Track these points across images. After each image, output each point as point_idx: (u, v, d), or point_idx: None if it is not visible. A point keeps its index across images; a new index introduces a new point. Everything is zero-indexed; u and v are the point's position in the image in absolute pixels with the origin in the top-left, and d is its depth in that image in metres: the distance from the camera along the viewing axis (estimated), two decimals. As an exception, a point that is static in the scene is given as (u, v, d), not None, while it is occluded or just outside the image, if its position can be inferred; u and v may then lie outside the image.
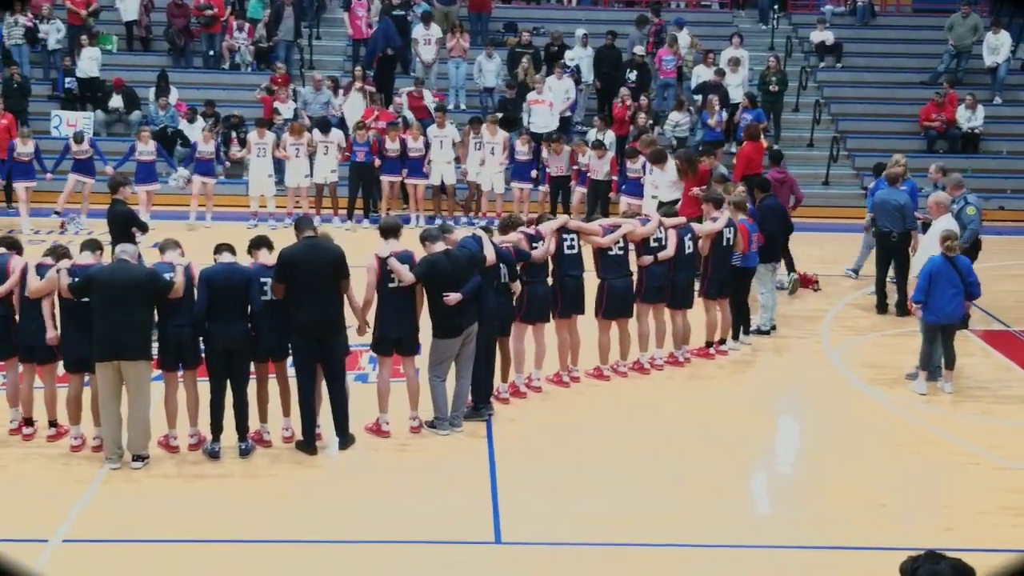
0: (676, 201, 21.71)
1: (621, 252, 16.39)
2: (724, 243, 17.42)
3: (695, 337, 17.70)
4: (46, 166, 25.68)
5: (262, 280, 13.65)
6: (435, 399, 14.60)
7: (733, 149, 27.67)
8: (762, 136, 25.12)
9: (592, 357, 16.70)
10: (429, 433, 14.60)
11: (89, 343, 13.20)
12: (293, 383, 14.07)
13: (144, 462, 13.43)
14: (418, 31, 31.58)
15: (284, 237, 14.11)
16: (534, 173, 26.69)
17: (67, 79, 30.91)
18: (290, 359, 14.07)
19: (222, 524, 12.31)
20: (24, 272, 13.67)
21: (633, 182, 24.34)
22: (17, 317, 13.85)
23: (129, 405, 13.31)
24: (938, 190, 19.59)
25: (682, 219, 17.85)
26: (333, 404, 14.00)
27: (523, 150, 26.63)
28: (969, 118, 30.74)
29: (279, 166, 26.77)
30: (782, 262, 19.84)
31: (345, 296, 13.94)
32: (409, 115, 28.41)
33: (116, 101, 30.65)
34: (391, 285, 14.07)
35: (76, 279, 13.29)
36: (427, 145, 26.66)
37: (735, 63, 30.44)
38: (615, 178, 25.35)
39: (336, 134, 26.81)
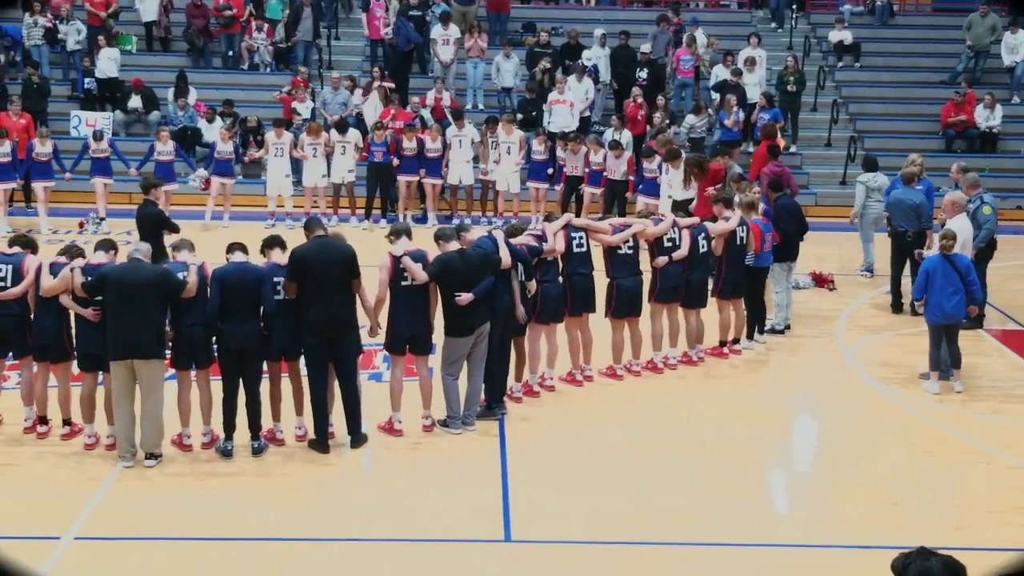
0: (690, 201, 21.74)
1: (631, 251, 16.38)
2: (738, 242, 17.41)
3: (709, 336, 17.67)
4: (65, 165, 25.78)
5: (275, 279, 13.68)
6: (448, 398, 14.60)
7: (751, 149, 27.60)
8: (779, 135, 25.08)
9: (605, 356, 16.69)
10: (442, 432, 14.62)
11: (103, 342, 13.26)
12: (306, 382, 14.09)
13: (157, 460, 13.47)
14: (436, 31, 31.57)
15: (300, 237, 14.09)
16: (550, 171, 26.72)
17: (86, 79, 30.97)
18: (303, 358, 14.09)
19: (234, 522, 12.33)
20: (38, 271, 13.72)
21: (650, 182, 24.36)
22: (32, 316, 13.91)
23: (142, 404, 13.34)
24: (958, 189, 19.54)
25: (695, 219, 17.85)
26: (345, 403, 14.02)
27: (539, 149, 26.70)
28: (988, 118, 30.65)
29: (297, 166, 26.85)
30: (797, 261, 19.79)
31: (357, 296, 13.97)
32: (427, 115, 28.46)
33: (135, 101, 30.73)
34: (404, 284, 14.08)
35: (89, 278, 13.33)
36: (445, 145, 26.71)
37: (752, 63, 30.38)
38: (632, 178, 25.35)
39: (353, 134, 26.87)
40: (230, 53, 33.02)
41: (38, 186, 25.69)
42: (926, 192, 20.48)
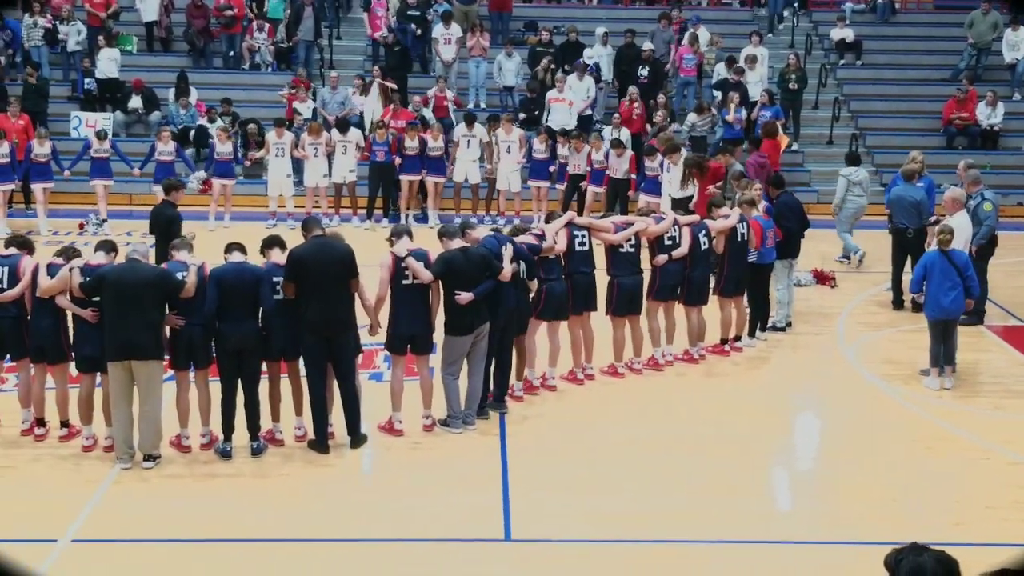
0: (688, 199, 21.75)
1: (632, 249, 16.36)
2: (739, 239, 17.39)
3: (710, 334, 17.65)
4: (63, 165, 25.71)
5: (274, 280, 13.65)
6: (448, 397, 14.58)
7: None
8: (781, 132, 25.07)
9: (606, 354, 16.66)
10: (442, 431, 14.59)
11: (100, 343, 13.23)
12: (305, 382, 14.06)
13: (156, 462, 13.44)
14: (438, 30, 31.62)
15: (301, 237, 14.08)
16: (552, 169, 26.72)
17: (86, 80, 30.93)
18: (302, 358, 14.07)
19: (233, 524, 12.30)
20: (35, 272, 13.67)
21: (651, 180, 24.36)
22: (29, 317, 13.87)
23: (140, 405, 13.30)
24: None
25: (696, 216, 17.84)
26: (345, 403, 13.99)
27: (541, 148, 26.69)
28: (989, 115, 30.64)
29: (298, 166, 26.81)
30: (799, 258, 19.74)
31: (357, 295, 13.94)
32: (428, 114, 28.45)
33: (136, 102, 30.70)
34: (405, 283, 14.05)
35: (88, 278, 13.30)
36: (447, 144, 26.71)
37: (753, 60, 30.34)
38: (634, 176, 25.33)
39: (355, 133, 26.84)
40: (231, 53, 33.02)
41: (37, 187, 25.62)
42: (927, 189, 20.48)
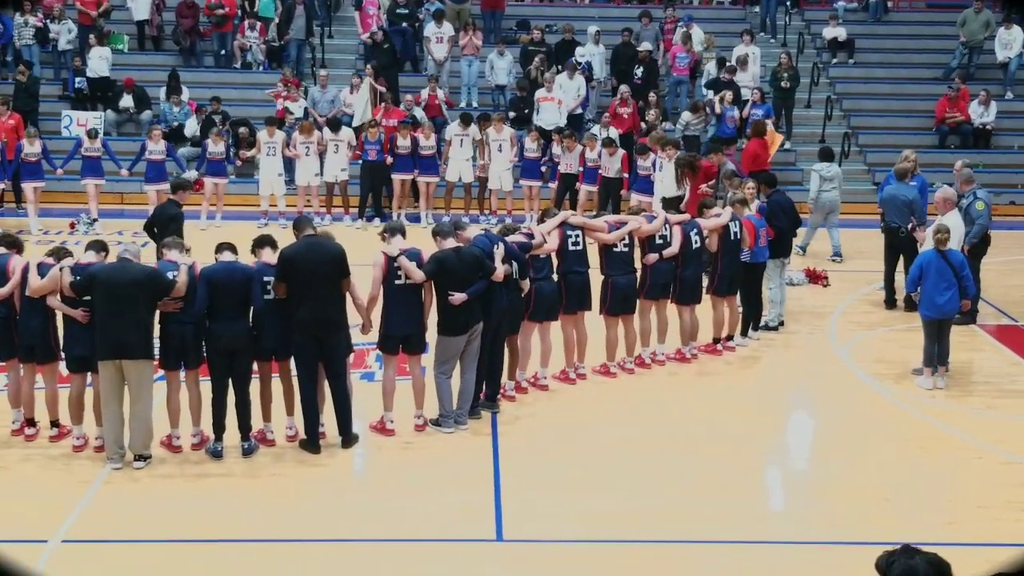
0: (679, 199, 21.72)
1: (626, 249, 16.35)
2: (731, 238, 17.37)
3: (703, 333, 17.63)
4: (55, 164, 25.66)
5: (265, 279, 13.61)
6: (440, 396, 14.54)
7: (742, 145, 27.60)
8: (772, 130, 25.07)
9: (599, 354, 16.63)
10: (434, 431, 14.55)
11: (91, 342, 13.19)
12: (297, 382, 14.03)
13: (146, 462, 13.40)
14: (430, 29, 31.62)
15: (292, 237, 14.04)
16: (543, 168, 26.67)
17: (77, 79, 30.84)
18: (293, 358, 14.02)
19: (225, 524, 12.27)
20: (25, 272, 13.62)
21: (643, 179, 24.31)
22: (18, 317, 13.81)
23: (131, 405, 13.26)
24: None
25: (686, 215, 17.84)
26: (336, 403, 13.95)
27: (532, 147, 26.66)
28: (981, 113, 30.63)
29: (289, 165, 26.74)
30: (792, 257, 19.72)
31: (348, 294, 13.90)
32: (420, 113, 28.41)
33: (127, 101, 30.65)
34: (398, 283, 14.01)
35: (78, 277, 13.25)
36: (439, 143, 26.66)
37: (745, 59, 30.32)
38: (627, 175, 25.30)
39: (346, 132, 26.78)
40: (222, 52, 32.97)
41: (28, 187, 25.56)
42: (919, 188, 20.46)
